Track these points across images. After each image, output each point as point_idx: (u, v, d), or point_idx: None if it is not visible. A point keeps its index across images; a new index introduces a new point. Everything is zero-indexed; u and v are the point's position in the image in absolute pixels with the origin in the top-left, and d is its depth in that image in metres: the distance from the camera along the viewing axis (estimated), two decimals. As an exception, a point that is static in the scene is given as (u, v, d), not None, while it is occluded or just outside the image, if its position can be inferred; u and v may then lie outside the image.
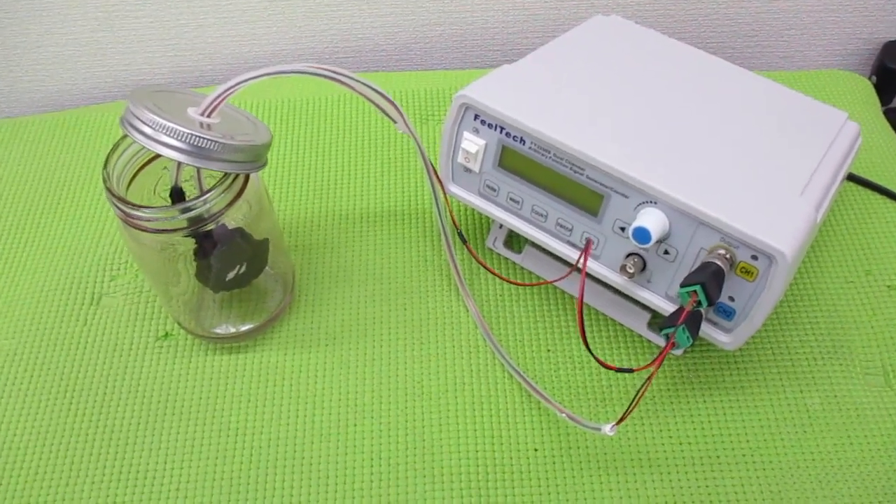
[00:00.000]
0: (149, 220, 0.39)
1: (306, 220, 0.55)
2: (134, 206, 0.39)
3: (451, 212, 0.48)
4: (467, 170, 0.46)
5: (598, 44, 0.50)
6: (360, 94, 0.43)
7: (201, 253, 0.43)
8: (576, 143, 0.41)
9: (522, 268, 0.51)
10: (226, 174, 0.39)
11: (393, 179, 0.57)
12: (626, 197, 0.41)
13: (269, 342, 0.48)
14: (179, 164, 0.41)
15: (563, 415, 0.42)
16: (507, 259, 0.52)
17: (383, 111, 0.45)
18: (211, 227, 0.41)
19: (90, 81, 0.67)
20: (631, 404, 0.38)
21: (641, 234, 0.39)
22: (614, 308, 0.48)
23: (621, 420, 0.38)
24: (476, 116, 0.44)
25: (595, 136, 0.42)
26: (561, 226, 0.44)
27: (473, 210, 0.54)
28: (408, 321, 0.49)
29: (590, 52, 0.49)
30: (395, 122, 0.45)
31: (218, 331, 0.48)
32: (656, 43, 0.51)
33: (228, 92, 0.40)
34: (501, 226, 0.52)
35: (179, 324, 0.48)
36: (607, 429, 0.39)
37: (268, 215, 0.45)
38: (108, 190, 0.39)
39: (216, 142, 0.38)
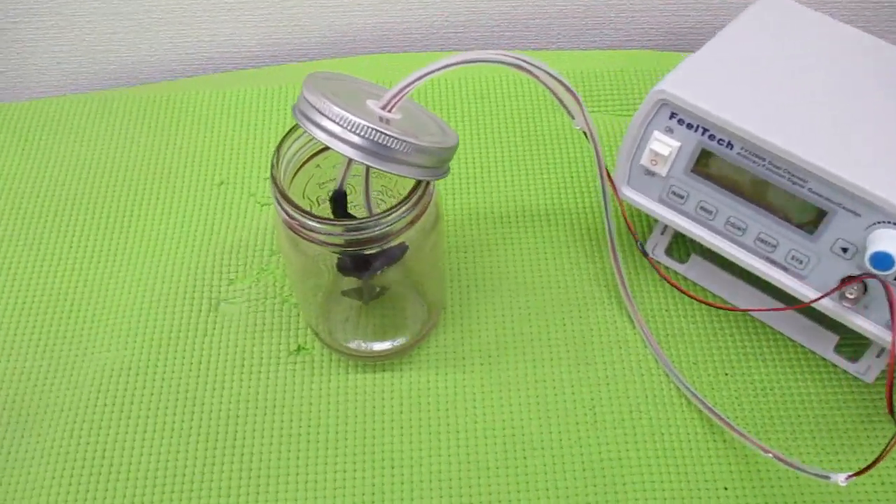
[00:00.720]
0: (316, 232, 0.34)
1: (453, 219, 0.49)
2: (309, 215, 0.33)
3: (626, 218, 0.43)
4: (650, 173, 0.41)
5: (780, 32, 0.45)
6: (545, 85, 0.38)
7: (353, 267, 0.38)
8: (801, 151, 0.36)
9: (685, 278, 0.47)
10: (418, 183, 0.34)
11: (548, 178, 0.51)
12: (858, 215, 0.36)
13: (416, 359, 0.43)
14: (349, 163, 0.35)
15: (770, 455, 0.38)
16: (666, 267, 0.47)
17: (563, 105, 0.39)
18: (380, 245, 0.35)
19: (171, 53, 0.61)
20: (882, 453, 0.34)
21: (884, 260, 0.34)
22: (800, 330, 0.44)
23: (864, 471, 0.34)
24: (673, 115, 0.39)
25: (821, 143, 0.37)
26: (763, 241, 0.39)
27: (603, 209, 0.49)
28: (569, 338, 0.44)
29: (775, 41, 0.43)
30: (572, 117, 0.40)
31: (361, 346, 0.43)
32: (836, 30, 0.46)
33: (413, 84, 0.34)
34: (663, 232, 0.47)
35: (317, 334, 0.43)
36: (840, 479, 0.35)
37: (439, 234, 0.39)
38: (280, 193, 0.34)
39: (404, 141, 0.32)
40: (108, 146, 0.53)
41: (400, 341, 0.42)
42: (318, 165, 0.38)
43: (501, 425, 0.41)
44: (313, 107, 0.32)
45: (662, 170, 0.40)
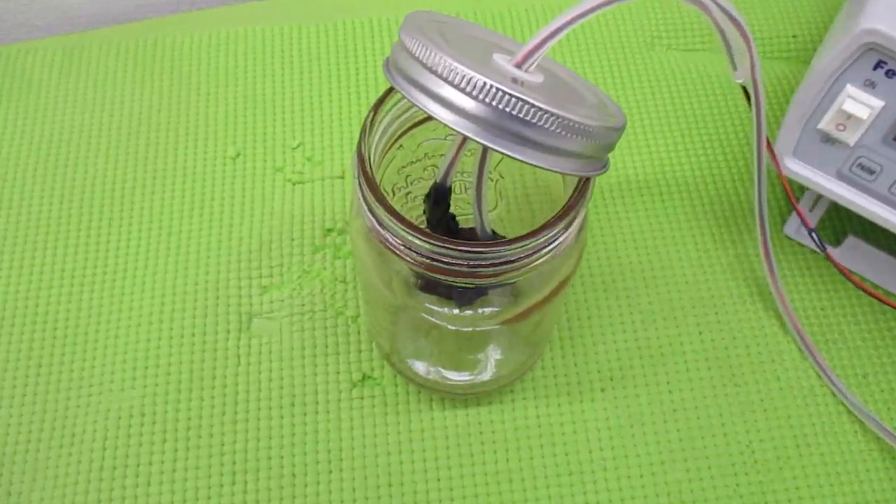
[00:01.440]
0: (413, 251, 0.23)
1: None
2: (415, 230, 0.22)
3: (793, 199, 0.33)
4: (830, 140, 0.31)
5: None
6: (713, 20, 0.27)
7: (443, 293, 0.28)
8: None
9: (832, 264, 0.37)
10: (582, 182, 0.23)
11: (668, 144, 0.41)
12: None
13: (517, 387, 0.34)
14: (461, 145, 0.24)
15: None
16: (812, 252, 0.37)
17: (728, 49, 0.29)
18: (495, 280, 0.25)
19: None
20: None
21: None
22: None
23: None
24: (880, 64, 0.29)
25: None
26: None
27: (734, 180, 0.39)
28: (708, 350, 0.35)
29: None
30: (734, 66, 0.30)
31: (449, 378, 0.33)
32: None
33: (561, 31, 0.23)
34: (813, 208, 0.37)
35: (388, 358, 0.33)
36: None
37: (574, 265, 0.28)
38: (373, 193, 0.23)
39: (557, 116, 0.21)
40: (75, 115, 0.41)
41: (499, 373, 0.33)
42: (400, 146, 0.28)
43: (638, 472, 0.32)
44: (418, 60, 0.21)
45: (851, 137, 0.30)
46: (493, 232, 0.27)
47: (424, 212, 0.27)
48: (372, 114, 0.23)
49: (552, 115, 0.21)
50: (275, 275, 0.36)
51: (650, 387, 0.34)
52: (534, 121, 0.21)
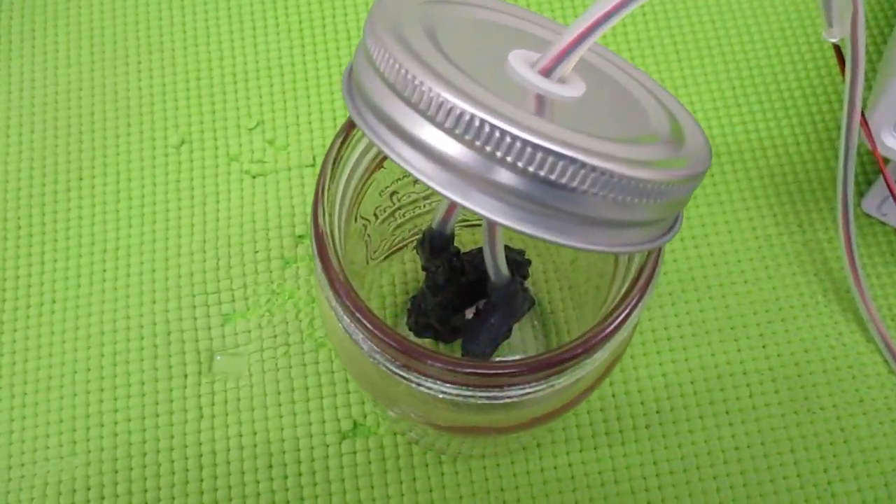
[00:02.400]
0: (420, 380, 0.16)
1: None
2: (407, 348, 0.16)
3: (889, 182, 0.26)
4: (947, 111, 0.24)
5: None
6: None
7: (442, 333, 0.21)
8: None
9: (928, 246, 0.30)
10: (646, 259, 0.16)
11: (727, 113, 0.33)
12: None
13: (545, 430, 0.28)
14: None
15: None
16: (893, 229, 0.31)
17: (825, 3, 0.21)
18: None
19: None
20: None
21: None
22: None
23: None
24: None
25: None
26: None
27: (800, 148, 0.31)
28: (775, 368, 0.28)
29: None
30: (829, 23, 0.22)
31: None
32: None
33: (603, 22, 0.15)
34: (901, 178, 0.30)
35: (376, 404, 0.27)
36: None
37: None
38: (336, 280, 0.16)
39: (611, 176, 0.14)
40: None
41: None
42: (381, 166, 0.20)
43: (697, 530, 0.26)
44: (387, 83, 0.14)
45: (979, 107, 0.23)
46: (513, 275, 0.20)
47: (417, 251, 0.20)
48: (329, 169, 0.16)
49: (602, 173, 0.13)
50: (237, 299, 0.29)
51: (705, 419, 0.28)
52: (572, 185, 0.13)
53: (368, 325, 0.16)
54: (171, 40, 0.33)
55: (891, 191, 0.26)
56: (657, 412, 0.28)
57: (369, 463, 0.27)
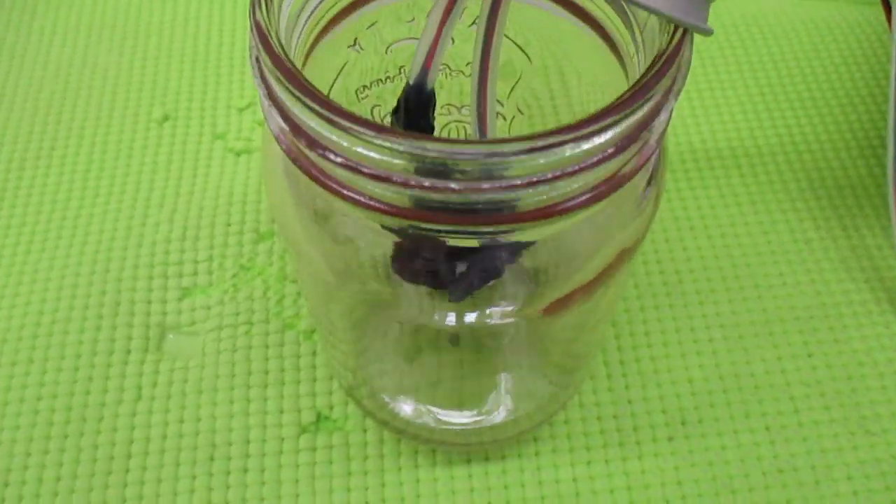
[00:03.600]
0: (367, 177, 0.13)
1: None
2: (353, 119, 0.12)
3: None
4: None
5: None
6: None
7: (423, 271, 0.17)
8: None
9: None
10: (674, 37, 0.13)
11: (753, 98, 0.31)
12: None
13: (538, 439, 0.23)
14: (449, 13, 0.14)
15: None
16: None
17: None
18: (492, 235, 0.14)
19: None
20: None
21: None
22: None
23: None
24: None
25: None
26: None
27: (846, 148, 0.28)
28: (823, 381, 0.24)
29: None
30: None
31: (438, 420, 0.22)
32: None
33: None
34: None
35: (351, 393, 0.23)
36: None
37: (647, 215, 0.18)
38: (275, 61, 0.12)
39: None
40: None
41: (517, 412, 0.22)
42: (354, 42, 0.17)
43: (732, 568, 0.21)
44: None
45: None
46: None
47: (392, 122, 0.17)
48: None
49: None
50: (201, 272, 0.26)
51: (741, 435, 0.23)
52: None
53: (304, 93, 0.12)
54: (161, 13, 0.32)
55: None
56: (682, 423, 0.23)
57: (330, 463, 0.22)
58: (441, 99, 0.20)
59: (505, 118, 0.20)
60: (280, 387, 0.23)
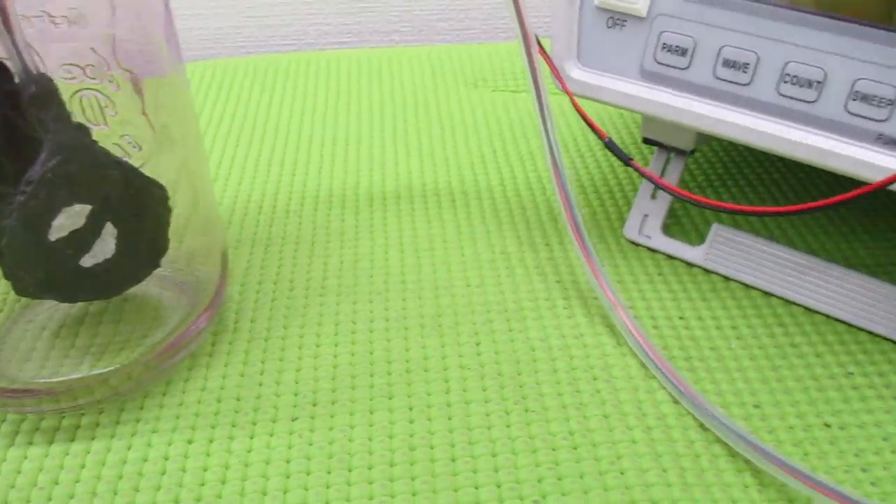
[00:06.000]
0: None
1: (268, 201, 0.28)
2: None
3: (582, 112, 0.22)
4: (618, 22, 0.22)
5: None
6: None
7: None
8: None
9: (706, 271, 0.25)
10: None
11: (471, 154, 0.31)
12: None
13: (155, 411, 0.20)
14: None
15: None
16: (669, 259, 0.25)
17: None
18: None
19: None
20: None
21: None
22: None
23: None
24: None
25: None
26: (866, 97, 0.19)
27: (543, 191, 0.28)
28: (487, 364, 0.21)
29: None
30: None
31: (40, 378, 0.19)
32: None
33: None
34: (655, 194, 0.26)
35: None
36: None
37: (188, 139, 0.18)
38: None
39: None
40: None
41: (114, 365, 0.19)
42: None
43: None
44: None
45: (642, 1, 0.21)
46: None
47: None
48: None
49: None
50: None
51: (376, 414, 0.19)
52: None
53: None
54: None
55: (586, 120, 0.22)
56: (313, 404, 0.20)
57: None
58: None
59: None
60: None
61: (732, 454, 0.19)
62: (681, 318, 0.23)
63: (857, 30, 0.19)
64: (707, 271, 0.25)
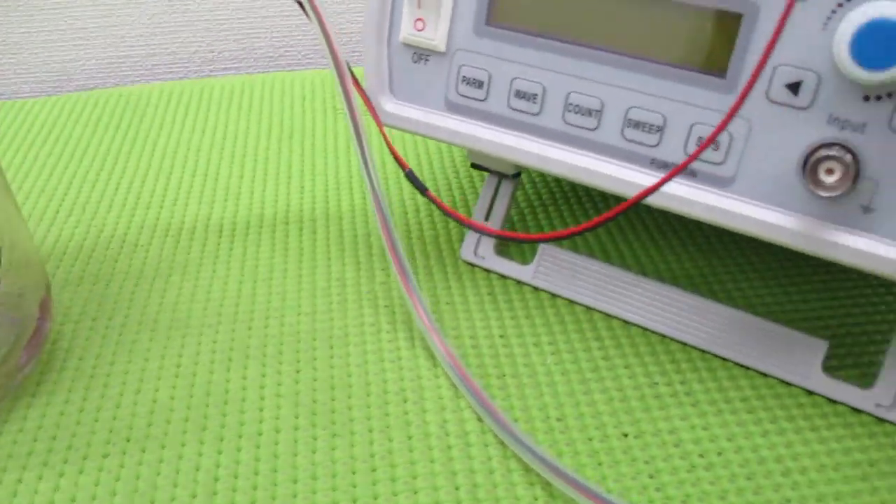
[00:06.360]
0: None
1: (83, 241, 0.29)
2: None
3: (390, 146, 0.23)
4: (423, 57, 0.23)
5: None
6: None
7: None
8: None
9: (535, 289, 0.26)
10: None
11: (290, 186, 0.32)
12: (805, -2, 0.17)
13: (-37, 460, 0.20)
14: None
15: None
16: (502, 278, 0.26)
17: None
18: None
19: None
20: None
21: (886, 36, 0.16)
22: (755, 342, 0.23)
23: None
24: (435, -77, 0.22)
25: None
26: (638, 124, 0.20)
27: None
28: (303, 391, 0.22)
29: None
30: None
31: None
32: None
33: None
34: (489, 216, 0.27)
35: None
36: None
37: None
38: None
39: None
40: None
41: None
42: None
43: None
44: None
45: (436, 35, 0.22)
46: None
47: None
48: None
49: None
50: None
51: (188, 447, 0.20)
52: None
53: None
54: None
55: (390, 150, 0.23)
56: (128, 440, 0.20)
57: None
58: None
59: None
60: None
61: (527, 469, 0.20)
62: (501, 336, 0.24)
63: (628, 62, 0.20)
64: (536, 289, 0.26)
